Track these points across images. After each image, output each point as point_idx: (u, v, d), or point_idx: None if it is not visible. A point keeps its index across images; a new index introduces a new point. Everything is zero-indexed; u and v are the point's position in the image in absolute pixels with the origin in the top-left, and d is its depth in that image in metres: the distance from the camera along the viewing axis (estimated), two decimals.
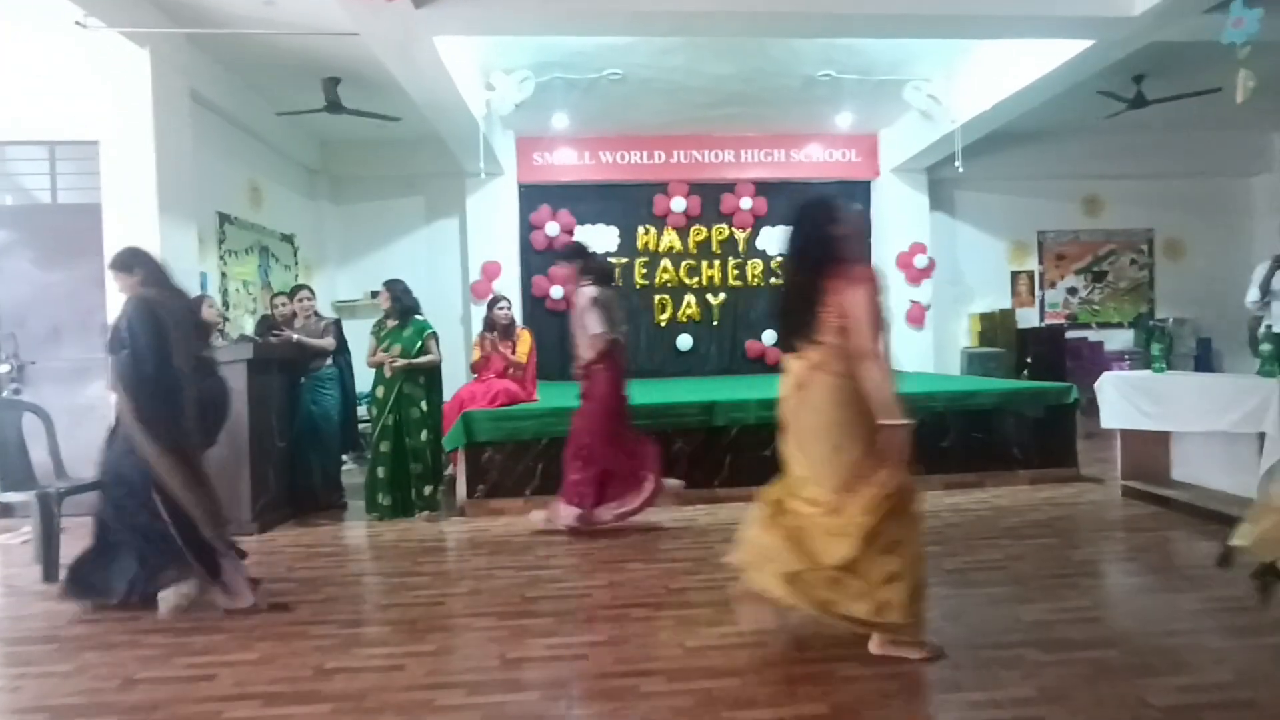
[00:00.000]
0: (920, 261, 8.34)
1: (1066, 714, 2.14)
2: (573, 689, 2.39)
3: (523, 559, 3.83)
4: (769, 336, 8.57)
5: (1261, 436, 3.71)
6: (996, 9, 4.58)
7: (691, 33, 5.06)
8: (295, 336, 5.02)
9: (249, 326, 6.23)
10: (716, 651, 2.63)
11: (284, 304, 5.32)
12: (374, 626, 2.98)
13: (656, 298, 8.59)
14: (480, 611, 3.12)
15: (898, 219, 8.47)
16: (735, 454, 5.05)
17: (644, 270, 8.55)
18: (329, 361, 5.15)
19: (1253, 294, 4.92)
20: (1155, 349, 4.92)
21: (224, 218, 6.16)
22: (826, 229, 2.58)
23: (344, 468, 5.54)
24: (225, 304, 6.01)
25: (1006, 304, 8.98)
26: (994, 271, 9.10)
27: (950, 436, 5.31)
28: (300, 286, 5.43)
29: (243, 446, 4.45)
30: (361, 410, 5.83)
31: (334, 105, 6.15)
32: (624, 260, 8.53)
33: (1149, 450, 4.79)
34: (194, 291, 5.01)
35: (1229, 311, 8.63)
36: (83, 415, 4.57)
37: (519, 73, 6.25)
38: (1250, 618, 2.82)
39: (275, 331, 5.20)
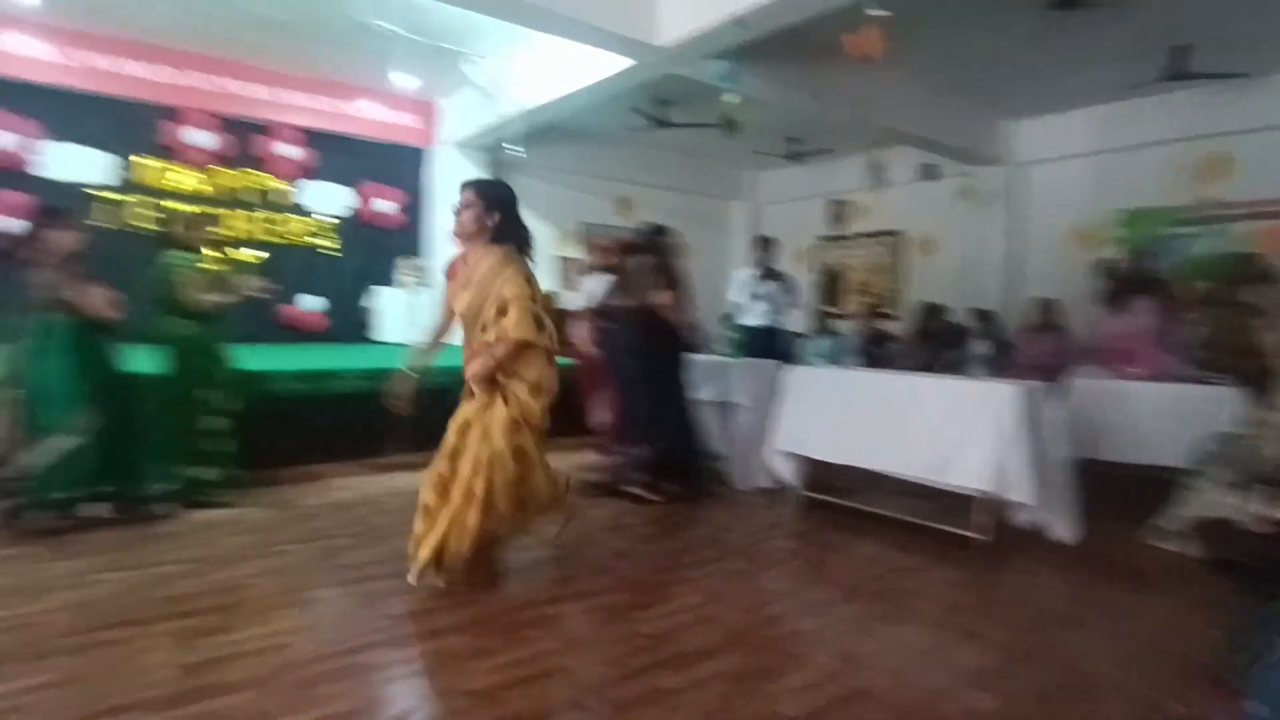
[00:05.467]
0: None
1: (582, 657, 2.37)
2: None
3: None
4: (312, 302, 7.81)
5: (728, 405, 4.68)
6: (549, 4, 4.81)
7: None
8: None
9: None
10: (222, 664, 2.24)
11: None
12: None
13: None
14: None
15: (454, 192, 8.39)
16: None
17: (145, 211, 6.95)
18: None
19: (736, 295, 6.27)
20: None
21: None
22: None
23: None
24: None
25: (554, 287, 9.76)
26: (542, 255, 9.78)
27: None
28: None
29: None
30: None
31: None
32: (115, 196, 6.80)
33: None
34: None
35: (714, 305, 10.85)
36: None
37: None
38: (713, 550, 3.50)
39: None
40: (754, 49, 5.09)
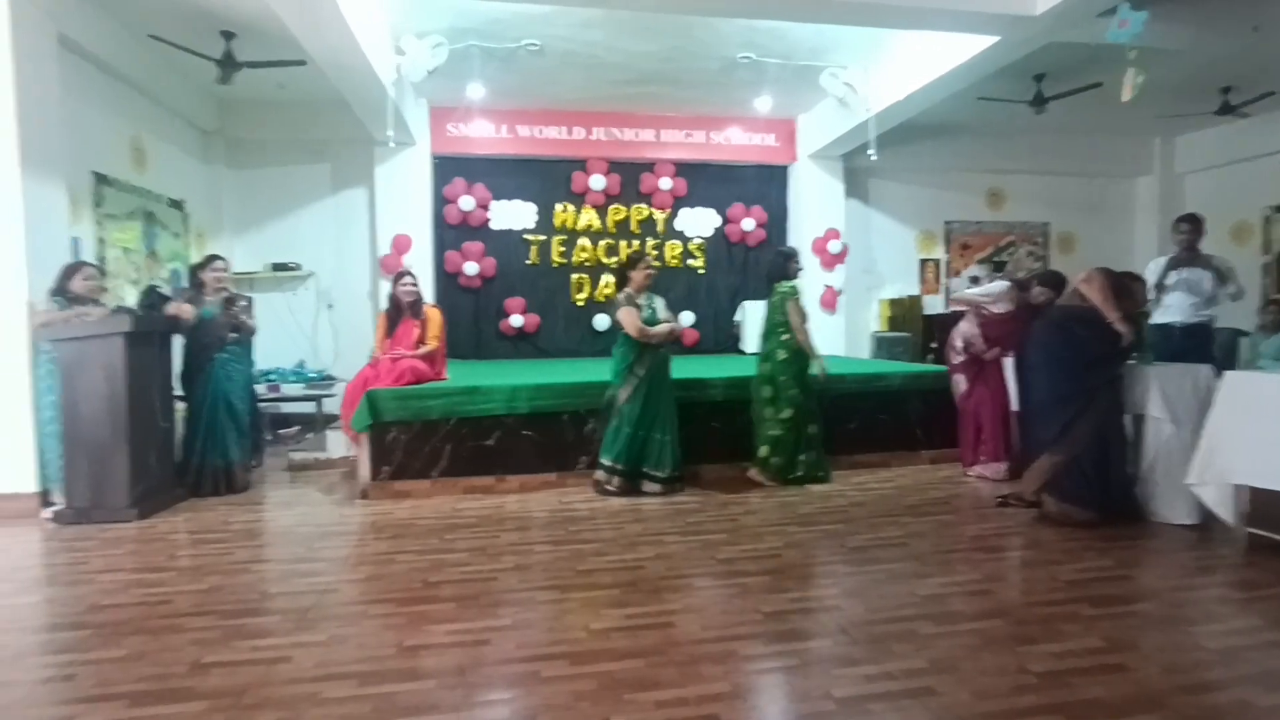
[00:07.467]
0: (834, 247, 8.52)
1: (954, 683, 2.22)
2: (470, 676, 2.31)
3: (426, 543, 3.70)
4: (686, 318, 8.59)
5: (1139, 419, 3.97)
6: (914, 1, 4.66)
7: (612, 5, 4.94)
8: (236, 310, 4.98)
9: (131, 297, 5.76)
10: (621, 633, 2.60)
11: (222, 270, 5.06)
12: (259, 617, 2.80)
13: (574, 277, 8.45)
14: (378, 598, 3.00)
15: (814, 205, 8.61)
16: None
17: (561, 248, 8.40)
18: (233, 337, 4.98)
19: (1149, 292, 5.31)
20: None
21: (100, 178, 5.63)
22: None
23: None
24: (103, 273, 5.51)
25: (915, 291, 9.30)
26: (903, 259, 9.40)
27: (858, 418, 5.45)
28: (214, 257, 5.14)
29: (120, 426, 4.14)
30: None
31: (228, 62, 5.71)
32: (541, 238, 8.35)
33: None
34: (65, 258, 4.63)
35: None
36: None
37: (432, 38, 5.96)
38: (1118, 587, 3.02)
39: (230, 304, 5.02)
40: None
